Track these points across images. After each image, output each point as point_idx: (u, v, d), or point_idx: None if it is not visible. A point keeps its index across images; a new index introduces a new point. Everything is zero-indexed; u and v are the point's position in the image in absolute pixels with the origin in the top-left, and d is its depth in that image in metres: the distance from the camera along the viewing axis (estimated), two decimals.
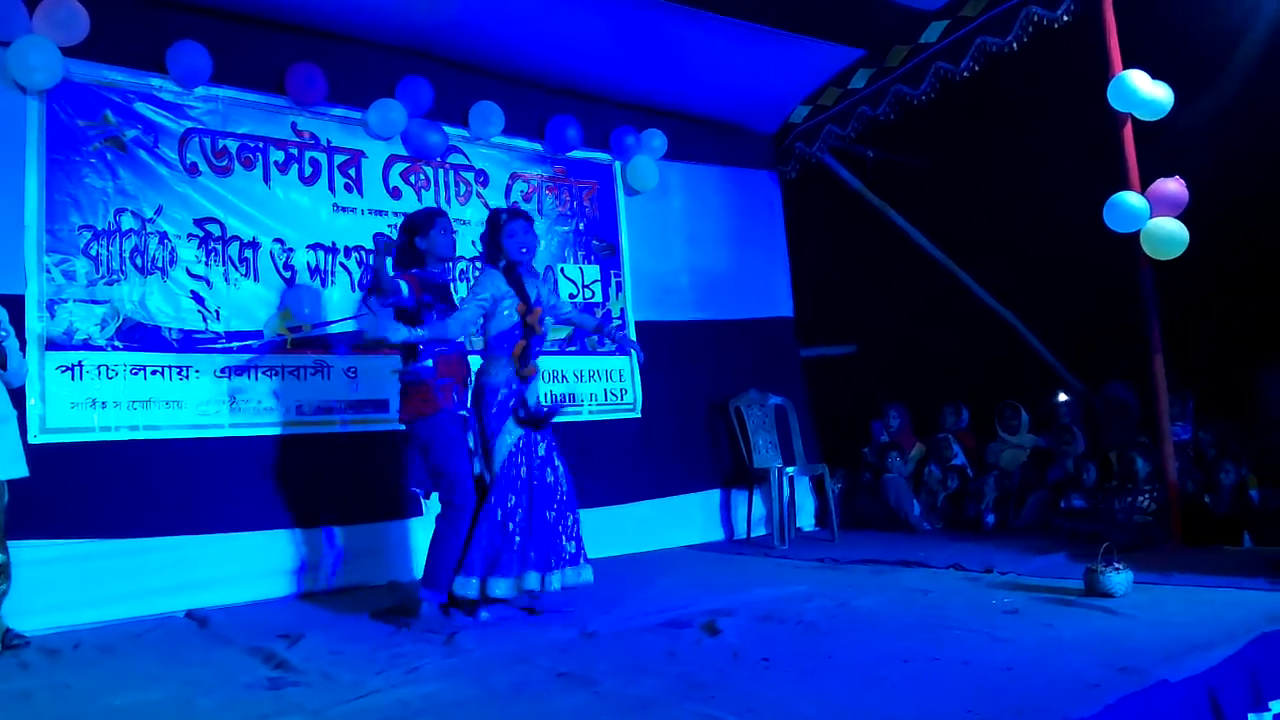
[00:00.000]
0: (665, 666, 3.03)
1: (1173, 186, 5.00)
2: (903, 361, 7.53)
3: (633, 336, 6.38)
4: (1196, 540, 4.93)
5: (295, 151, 5.32)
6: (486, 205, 5.93)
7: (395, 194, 5.62)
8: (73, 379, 4.52)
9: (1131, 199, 5.00)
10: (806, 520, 6.87)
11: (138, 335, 4.73)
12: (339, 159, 5.45)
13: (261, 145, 5.21)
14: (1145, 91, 4.99)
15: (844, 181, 7.30)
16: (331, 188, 5.40)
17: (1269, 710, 2.87)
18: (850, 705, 2.50)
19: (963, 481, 6.51)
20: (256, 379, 5.00)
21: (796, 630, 3.49)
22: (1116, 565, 3.76)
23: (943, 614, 3.61)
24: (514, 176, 6.12)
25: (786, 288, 7.30)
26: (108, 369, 4.62)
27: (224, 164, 5.09)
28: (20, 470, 3.93)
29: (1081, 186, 5.42)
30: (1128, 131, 5.13)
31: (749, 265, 6.97)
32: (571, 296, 6.24)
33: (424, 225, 4.23)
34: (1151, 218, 4.99)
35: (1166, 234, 4.94)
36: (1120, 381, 6.52)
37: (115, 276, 4.71)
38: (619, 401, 6.31)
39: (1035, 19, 5.50)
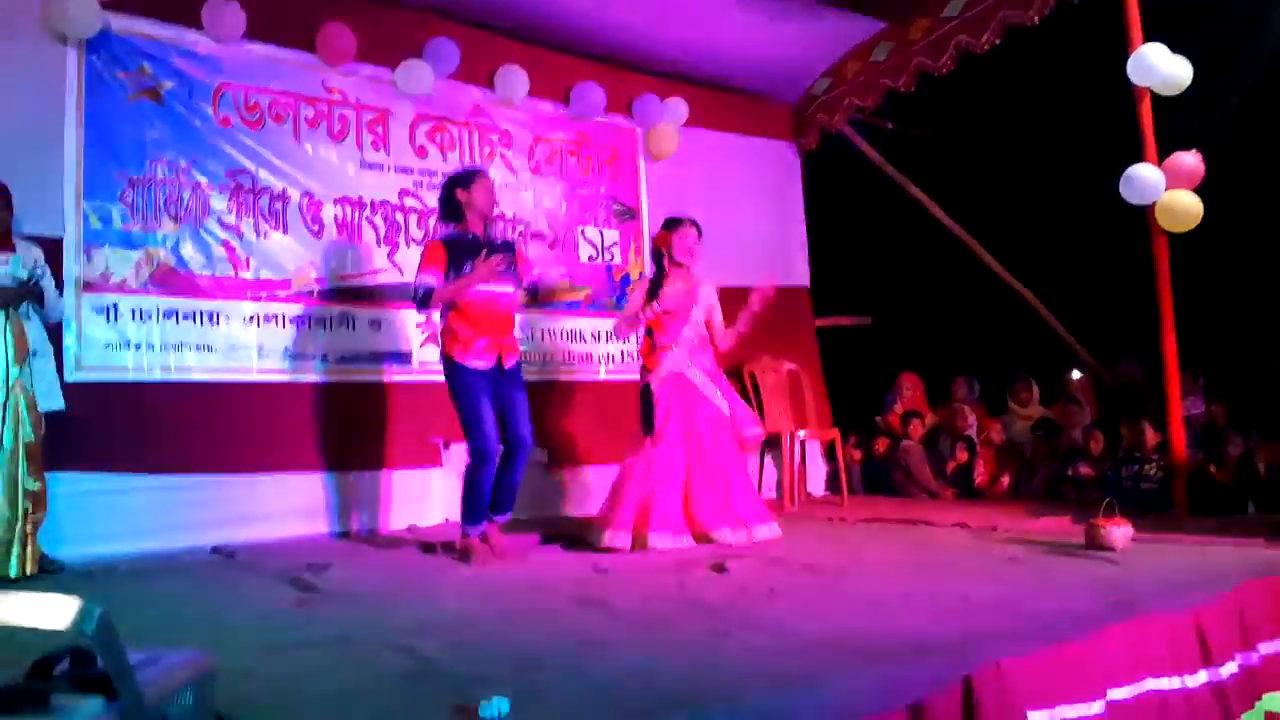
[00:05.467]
0: (676, 595, 3.16)
1: (1189, 160, 5.03)
2: (917, 333, 7.61)
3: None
4: (1201, 509, 5.01)
5: (325, 108, 5.44)
6: (510, 166, 6.05)
7: (421, 153, 5.73)
8: (108, 320, 4.67)
9: (1147, 170, 5.04)
10: (817, 486, 6.97)
11: (170, 281, 4.87)
12: (367, 117, 5.57)
13: (292, 101, 5.33)
14: (1165, 66, 5.02)
15: (863, 153, 7.35)
16: (359, 145, 5.52)
17: (1257, 651, 2.96)
18: (847, 627, 2.61)
19: (974, 452, 6.60)
20: (284, 327, 5.14)
21: (802, 571, 3.60)
22: (1117, 520, 3.84)
23: (945, 560, 3.72)
24: (537, 139, 6.21)
25: (803, 257, 7.37)
26: (141, 312, 4.77)
27: (255, 118, 5.22)
28: (57, 403, 4.10)
29: (1099, 161, 5.47)
30: (1146, 106, 5.16)
31: (766, 234, 7.04)
32: (591, 259, 6.36)
33: (468, 179, 4.33)
34: (1166, 190, 5.03)
35: (1180, 206, 4.98)
36: (1132, 357, 6.59)
37: (150, 224, 4.84)
38: (635, 362, 6.40)
39: None
